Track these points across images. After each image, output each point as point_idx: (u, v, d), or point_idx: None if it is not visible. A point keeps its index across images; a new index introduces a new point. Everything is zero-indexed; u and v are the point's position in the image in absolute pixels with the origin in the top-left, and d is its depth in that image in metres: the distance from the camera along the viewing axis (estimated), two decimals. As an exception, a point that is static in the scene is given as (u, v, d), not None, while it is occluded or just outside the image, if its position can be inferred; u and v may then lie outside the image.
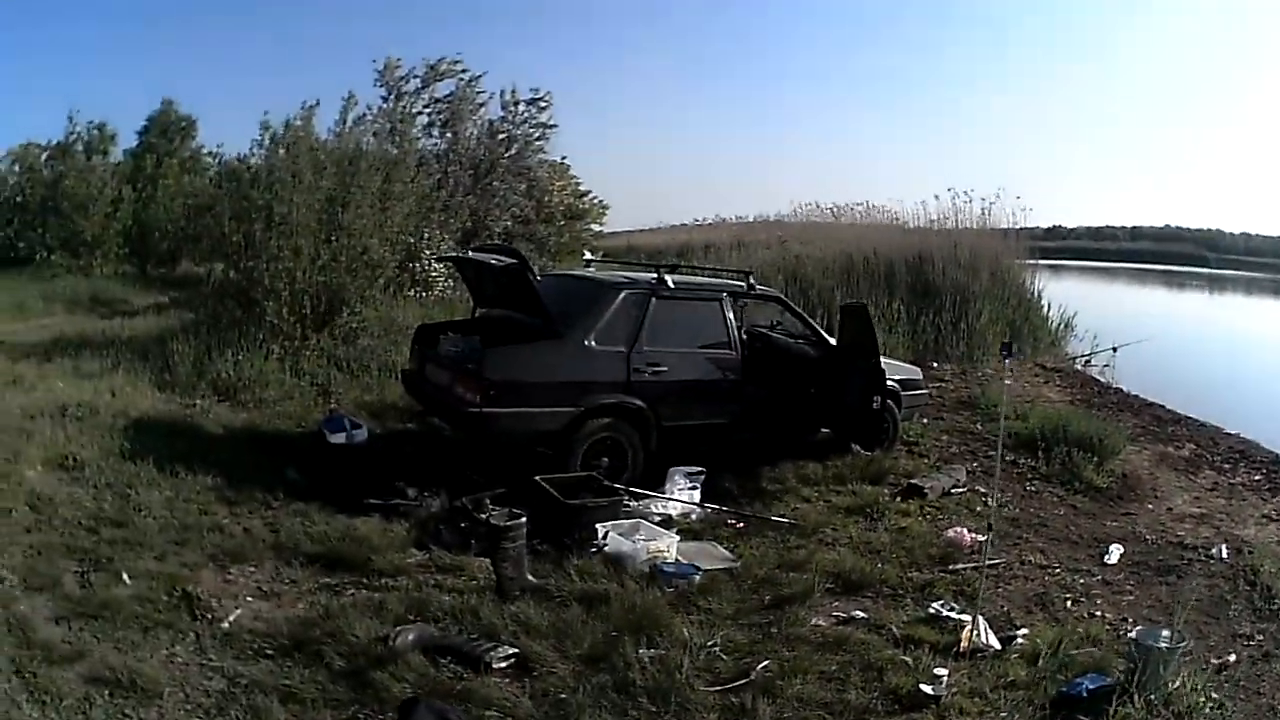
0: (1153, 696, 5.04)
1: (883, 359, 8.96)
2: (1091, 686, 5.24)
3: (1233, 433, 12.87)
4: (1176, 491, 10.38)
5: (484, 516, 5.84)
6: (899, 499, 8.48)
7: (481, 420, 7.28)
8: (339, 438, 7.94)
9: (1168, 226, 64.50)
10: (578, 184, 24.36)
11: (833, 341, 9.16)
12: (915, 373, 10.79)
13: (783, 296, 10.43)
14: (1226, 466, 11.48)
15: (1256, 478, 11.08)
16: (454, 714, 4.08)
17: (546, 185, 21.41)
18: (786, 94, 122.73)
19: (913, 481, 8.79)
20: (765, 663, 5.10)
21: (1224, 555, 8.09)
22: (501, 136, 19.95)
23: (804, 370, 9.05)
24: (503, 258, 8.04)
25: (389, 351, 11.17)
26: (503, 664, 4.72)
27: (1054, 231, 47.46)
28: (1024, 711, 4.97)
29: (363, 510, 6.75)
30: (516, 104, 20.13)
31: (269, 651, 4.82)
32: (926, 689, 4.96)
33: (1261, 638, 6.32)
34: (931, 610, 6.06)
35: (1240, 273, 54.47)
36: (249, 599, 5.47)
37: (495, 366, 7.39)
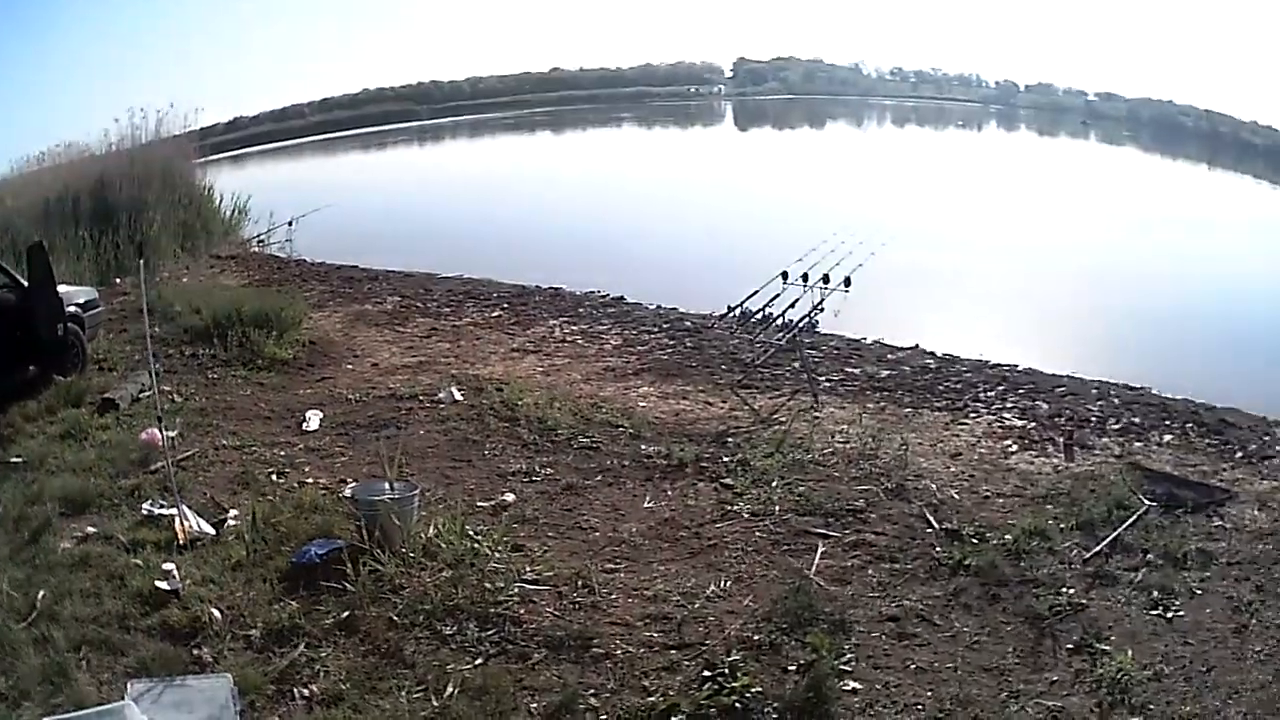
0: (407, 550, 8.55)
1: (64, 287, 14.77)
2: (321, 551, 8.68)
3: (453, 275, 21.64)
4: (382, 346, 16.61)
5: None
6: (98, 414, 13.49)
7: None
8: None
9: (365, 90, 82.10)
10: None
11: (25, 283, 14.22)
12: (92, 293, 16.91)
13: (-34, 252, 15.59)
14: (447, 310, 19.21)
15: (496, 314, 18.93)
16: None
17: None
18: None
19: (105, 395, 14.04)
20: (42, 593, 8.26)
21: (457, 397, 13.66)
22: None
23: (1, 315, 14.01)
24: None
25: None
26: None
27: (235, 124, 61.31)
28: (259, 587, 8.40)
29: None
30: None
31: None
32: (162, 585, 8.19)
33: (551, 470, 11.30)
34: (145, 511, 9.85)
35: (464, 118, 72.82)
36: None
37: None
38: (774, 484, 11.24)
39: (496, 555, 8.93)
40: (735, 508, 10.72)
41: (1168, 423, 14.97)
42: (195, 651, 7.72)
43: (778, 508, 10.71)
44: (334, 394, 14.02)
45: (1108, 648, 8.62)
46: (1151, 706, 7.91)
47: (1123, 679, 8.14)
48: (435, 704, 7.16)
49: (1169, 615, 9.27)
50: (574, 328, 18.04)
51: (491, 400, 13.34)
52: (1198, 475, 12.74)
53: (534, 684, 7.48)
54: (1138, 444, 13.92)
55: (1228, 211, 53.44)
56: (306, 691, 7.27)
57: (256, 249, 25.91)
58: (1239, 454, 13.74)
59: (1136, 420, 14.97)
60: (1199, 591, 9.68)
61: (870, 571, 9.66)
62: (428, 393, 13.81)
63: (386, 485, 9.18)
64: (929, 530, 10.57)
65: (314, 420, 12.88)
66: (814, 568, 9.59)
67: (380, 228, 30.72)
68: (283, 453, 11.88)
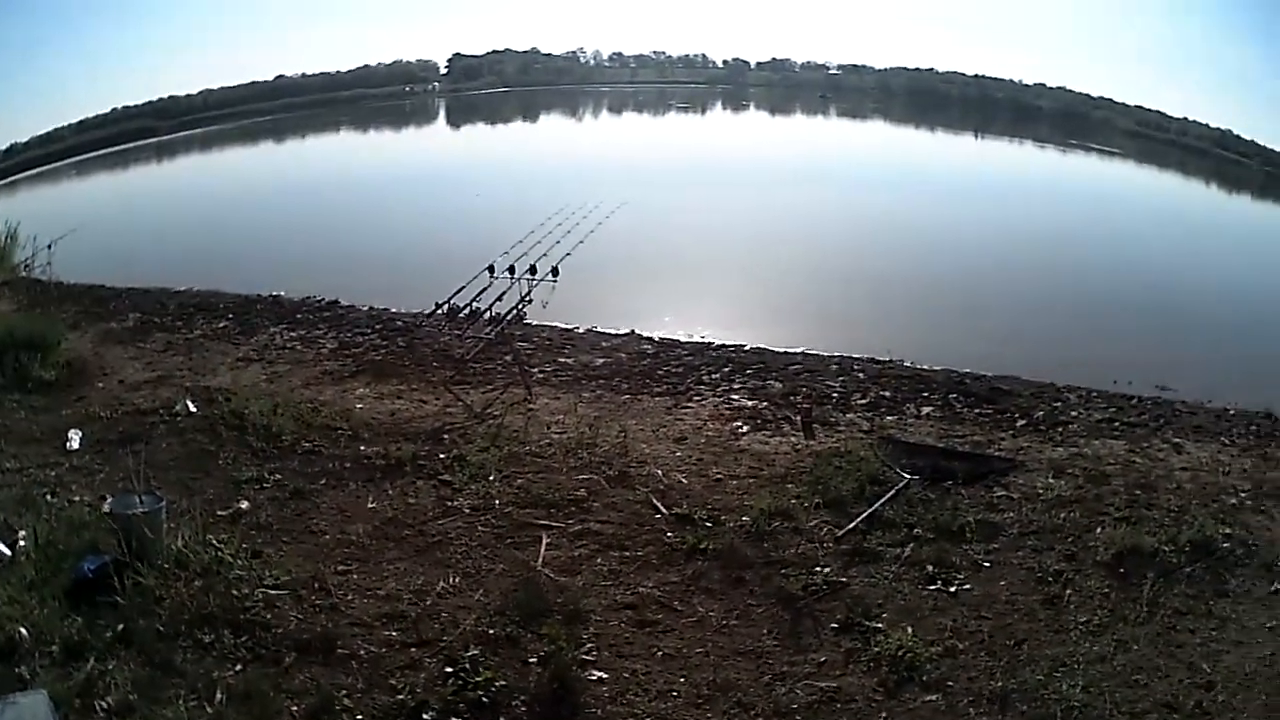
0: (161, 561, 8.82)
1: None
2: (92, 566, 8.84)
3: (184, 288, 21.84)
4: (127, 363, 16.51)
5: None
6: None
7: None
8: None
9: (114, 110, 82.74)
10: None
11: None
12: None
13: None
14: (180, 324, 19.06)
15: (223, 324, 18.94)
16: None
17: None
18: None
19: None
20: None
21: (191, 409, 13.73)
22: None
23: None
24: None
25: None
26: None
27: (11, 151, 61.46)
28: (50, 605, 8.49)
29: None
30: None
31: None
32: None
33: (279, 476, 11.54)
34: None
35: (198, 130, 76.55)
36: None
37: None
38: (491, 478, 11.68)
39: (239, 563, 9.30)
40: (455, 503, 11.09)
41: (925, 394, 15.55)
42: (16, 670, 7.86)
43: (498, 501, 11.14)
44: (90, 413, 14.08)
45: (880, 625, 8.99)
46: (951, 683, 8.27)
47: (906, 656, 8.48)
48: (210, 711, 7.46)
49: (952, 589, 9.67)
50: (293, 334, 18.28)
51: (222, 410, 13.56)
52: (969, 445, 13.30)
53: (290, 687, 7.81)
54: (890, 418, 14.46)
55: (994, 179, 57.07)
56: (105, 704, 7.48)
57: (24, 274, 25.49)
58: (1021, 422, 14.40)
59: (886, 394, 15.53)
60: (987, 564, 10.13)
61: (599, 560, 10.03)
62: (166, 406, 13.98)
63: (137, 499, 9.33)
64: (657, 516, 10.95)
65: (75, 439, 13.01)
66: (540, 559, 9.96)
67: (124, 245, 30.64)
68: (53, 473, 11.99)
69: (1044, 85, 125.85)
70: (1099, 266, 31.37)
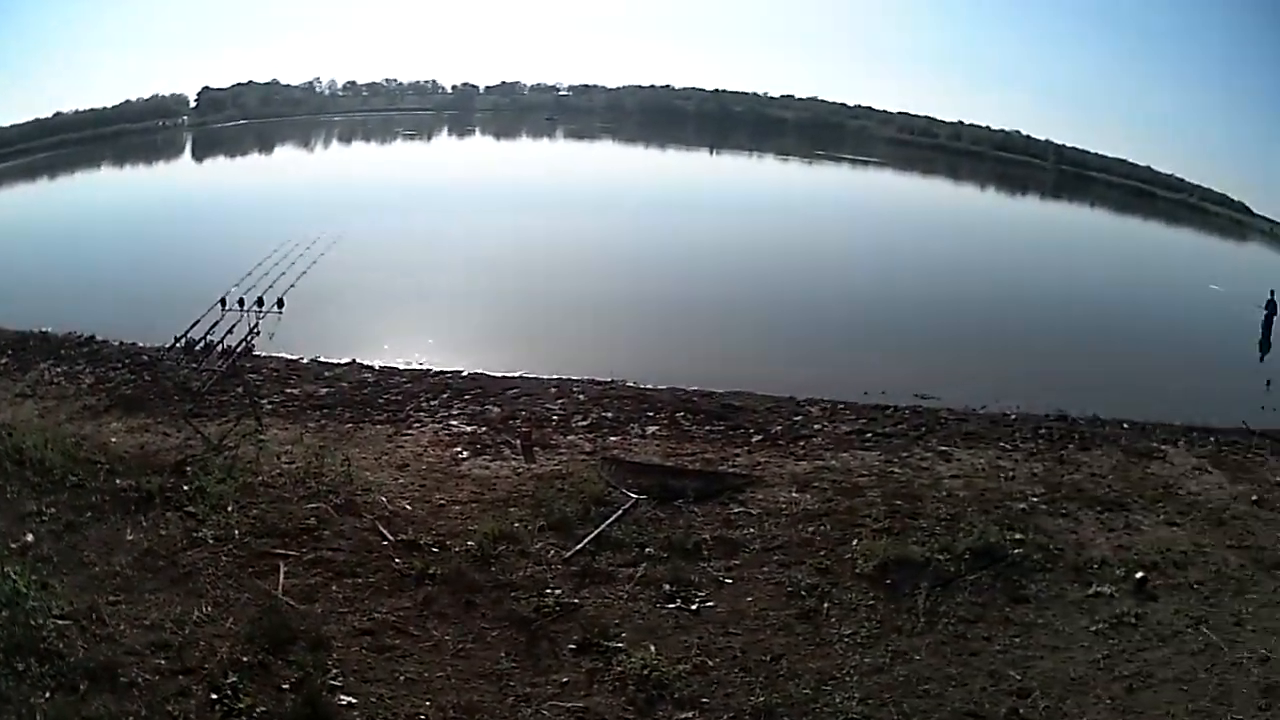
0: None
1: None
2: None
3: None
4: None
5: None
6: None
7: None
8: None
9: None
10: None
11: None
12: None
13: None
14: None
15: (3, 361, 18.92)
16: None
17: None
18: None
19: None
20: None
21: None
22: None
23: None
24: None
25: None
26: None
27: None
28: None
29: None
30: None
31: None
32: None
33: (54, 509, 11.71)
34: None
35: None
36: None
37: None
38: (230, 509, 12.17)
39: (31, 594, 9.50)
40: (200, 534, 11.57)
41: (650, 414, 16.18)
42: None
43: (237, 531, 11.66)
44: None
45: (620, 645, 9.63)
46: (706, 700, 8.89)
47: (653, 675, 9.09)
48: (36, 737, 7.93)
49: (694, 607, 10.33)
50: (59, 369, 18.56)
51: (5, 446, 13.67)
52: (700, 463, 13.93)
53: (88, 714, 8.17)
54: (614, 438, 15.11)
55: (727, 194, 58.69)
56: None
57: None
58: (758, 437, 15.09)
59: (609, 415, 16.17)
60: (729, 581, 10.82)
61: (334, 588, 10.68)
62: (-39, 444, 14.08)
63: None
64: (385, 543, 11.59)
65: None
66: (280, 588, 10.54)
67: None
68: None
69: (792, 97, 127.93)
70: (842, 278, 32.42)
